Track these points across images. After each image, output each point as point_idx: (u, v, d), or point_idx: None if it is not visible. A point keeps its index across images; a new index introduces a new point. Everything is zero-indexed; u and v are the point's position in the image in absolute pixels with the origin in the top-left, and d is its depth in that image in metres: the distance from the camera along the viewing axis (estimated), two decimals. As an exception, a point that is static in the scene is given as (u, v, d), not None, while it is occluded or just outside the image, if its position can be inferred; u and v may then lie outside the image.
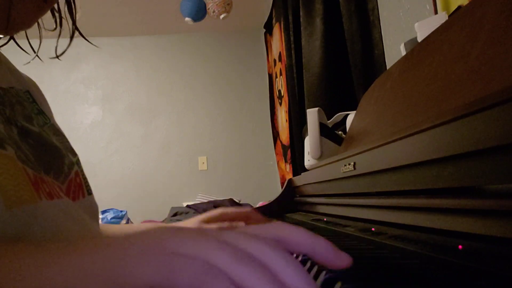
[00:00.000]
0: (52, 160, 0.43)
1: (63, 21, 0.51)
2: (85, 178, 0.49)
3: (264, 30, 3.33)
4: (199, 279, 0.19)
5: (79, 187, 0.46)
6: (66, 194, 0.43)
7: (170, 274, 0.19)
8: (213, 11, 2.41)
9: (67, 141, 0.49)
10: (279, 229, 0.23)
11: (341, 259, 0.23)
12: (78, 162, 0.49)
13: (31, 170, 0.36)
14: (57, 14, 0.50)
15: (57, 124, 0.50)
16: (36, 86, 0.52)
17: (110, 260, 0.20)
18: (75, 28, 0.51)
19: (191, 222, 0.64)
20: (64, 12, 0.50)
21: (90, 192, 0.49)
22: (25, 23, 0.41)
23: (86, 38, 0.55)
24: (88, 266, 0.20)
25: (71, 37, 0.51)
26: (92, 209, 0.49)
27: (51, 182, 0.40)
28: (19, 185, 0.33)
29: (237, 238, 0.22)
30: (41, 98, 0.51)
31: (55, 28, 0.51)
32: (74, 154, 0.49)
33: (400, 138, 0.46)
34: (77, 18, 0.51)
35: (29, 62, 0.55)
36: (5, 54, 0.47)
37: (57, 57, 0.53)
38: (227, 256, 0.20)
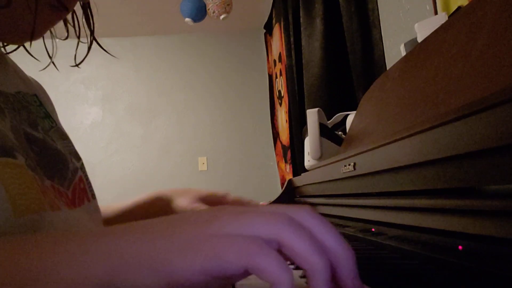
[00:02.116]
0: (56, 166, 0.43)
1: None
2: (89, 183, 0.49)
3: (264, 30, 3.33)
4: (246, 254, 0.19)
5: (83, 192, 0.46)
6: (71, 199, 0.43)
7: (217, 258, 0.19)
8: (213, 12, 2.41)
9: (72, 145, 0.50)
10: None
11: None
12: (82, 167, 0.49)
13: (39, 179, 0.36)
14: (69, 23, 0.50)
15: (62, 128, 0.50)
16: (43, 89, 0.52)
17: (156, 251, 0.20)
18: (93, 38, 0.51)
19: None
20: (82, 22, 0.51)
21: (94, 197, 0.49)
22: (35, 34, 0.41)
23: (104, 48, 0.55)
24: (135, 254, 0.20)
25: (89, 48, 0.52)
26: (96, 214, 0.49)
27: (55, 191, 0.40)
28: (27, 193, 0.33)
29: (270, 208, 0.23)
30: (48, 102, 0.51)
31: (67, 37, 0.51)
32: (79, 158, 0.49)
33: (400, 139, 0.46)
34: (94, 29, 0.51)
35: (45, 68, 0.55)
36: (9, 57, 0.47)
37: (77, 65, 0.53)
38: (269, 225, 0.20)
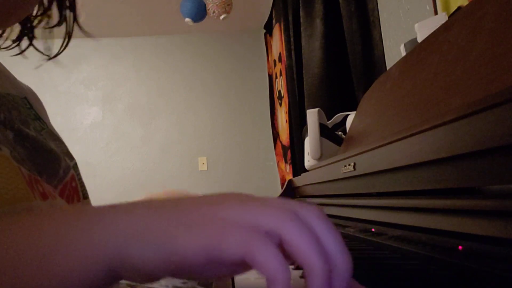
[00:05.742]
0: (47, 163, 0.42)
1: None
2: (81, 183, 0.49)
3: (264, 30, 3.33)
4: (246, 244, 0.19)
5: (74, 191, 0.46)
6: (60, 197, 0.43)
7: (219, 240, 0.19)
8: (213, 12, 2.41)
9: (65, 146, 0.49)
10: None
11: None
12: (75, 166, 0.48)
13: (26, 170, 0.36)
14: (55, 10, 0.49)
15: (54, 130, 0.50)
16: (34, 94, 0.52)
17: (162, 227, 0.20)
18: (77, 25, 0.50)
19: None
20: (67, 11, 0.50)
21: (86, 196, 0.49)
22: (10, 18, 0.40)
23: (90, 35, 0.54)
24: (140, 229, 0.20)
25: (70, 33, 0.50)
26: None
27: (45, 184, 0.40)
28: (13, 183, 0.33)
29: (278, 202, 0.23)
30: (38, 105, 0.50)
31: (55, 26, 0.50)
32: (72, 158, 0.49)
33: (400, 139, 0.46)
34: (80, 19, 0.50)
35: (40, 65, 0.54)
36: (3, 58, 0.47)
37: (54, 56, 0.52)
38: (274, 218, 0.21)
